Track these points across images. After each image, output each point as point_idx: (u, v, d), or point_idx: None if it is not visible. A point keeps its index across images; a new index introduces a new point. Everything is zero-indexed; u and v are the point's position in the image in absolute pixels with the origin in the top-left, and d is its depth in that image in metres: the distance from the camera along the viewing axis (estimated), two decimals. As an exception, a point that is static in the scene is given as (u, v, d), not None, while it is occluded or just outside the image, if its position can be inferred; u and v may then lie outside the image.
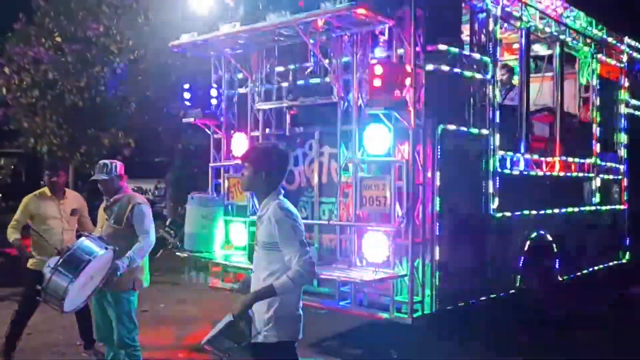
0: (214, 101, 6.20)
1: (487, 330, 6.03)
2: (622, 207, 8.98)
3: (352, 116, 5.41)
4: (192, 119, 6.31)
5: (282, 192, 3.36)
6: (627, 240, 9.05)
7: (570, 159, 7.71)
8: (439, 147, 5.16)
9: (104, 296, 4.55)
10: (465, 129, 5.60)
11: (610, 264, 8.66)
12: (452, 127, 5.37)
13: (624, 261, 8.98)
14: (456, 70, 5.52)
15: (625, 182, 9.08)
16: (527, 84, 6.85)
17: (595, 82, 8.31)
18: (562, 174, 7.47)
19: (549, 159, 7.24)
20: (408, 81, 5.00)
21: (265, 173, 3.38)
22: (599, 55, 8.39)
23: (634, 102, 9.65)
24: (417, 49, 5.08)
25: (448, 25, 5.50)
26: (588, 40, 8.18)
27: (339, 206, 5.53)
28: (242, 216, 6.23)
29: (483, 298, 5.83)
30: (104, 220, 4.68)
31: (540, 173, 7.05)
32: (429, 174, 5.16)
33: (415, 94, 5.03)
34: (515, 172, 6.62)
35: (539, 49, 8.82)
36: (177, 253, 6.40)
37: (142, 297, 4.88)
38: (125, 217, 4.54)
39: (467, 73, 5.70)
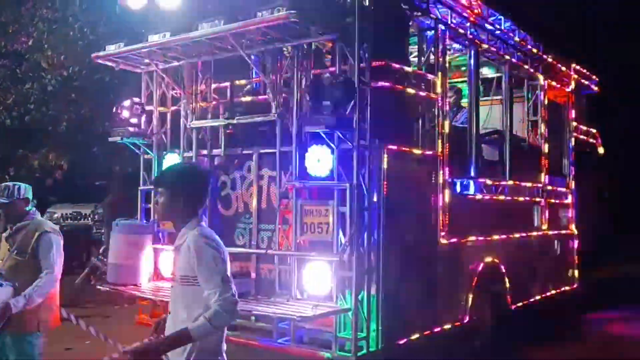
0: (134, 120, 5.67)
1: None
2: (571, 231, 8.88)
3: (292, 136, 4.99)
4: (118, 138, 5.77)
5: (204, 218, 2.91)
6: (577, 266, 8.93)
7: (520, 183, 7.53)
8: (385, 169, 4.79)
9: (3, 339, 3.95)
10: (414, 150, 5.27)
11: (562, 289, 8.49)
12: (399, 148, 5.03)
13: (574, 286, 8.84)
14: (405, 88, 5.22)
15: (573, 207, 9.00)
16: (477, 105, 6.64)
17: (543, 105, 8.21)
18: (512, 198, 7.27)
19: (499, 183, 7.02)
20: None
21: (184, 198, 2.93)
22: (547, 79, 8.33)
23: (580, 126, 9.67)
24: (362, 64, 4.74)
25: (395, 41, 5.21)
26: (536, 64, 8.10)
27: (278, 234, 5.08)
28: (171, 244, 5.68)
29: (436, 330, 5.46)
30: (6, 251, 4.09)
31: (491, 197, 6.81)
32: (375, 198, 4.78)
33: (360, 113, 4.67)
34: (466, 197, 6.35)
35: (488, 72, 8.73)
36: (98, 286, 5.77)
37: (67, 332, 4.29)
38: (30, 247, 3.97)
39: (416, 92, 5.41)
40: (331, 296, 4.64)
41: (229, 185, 5.70)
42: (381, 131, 4.90)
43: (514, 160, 7.37)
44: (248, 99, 5.51)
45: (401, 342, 4.94)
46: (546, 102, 8.28)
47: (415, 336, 5.11)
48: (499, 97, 8.20)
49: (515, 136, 7.87)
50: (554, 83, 8.52)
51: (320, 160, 4.78)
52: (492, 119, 8.01)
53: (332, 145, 4.69)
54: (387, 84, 4.89)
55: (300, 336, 4.86)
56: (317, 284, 4.70)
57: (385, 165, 4.80)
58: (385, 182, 4.78)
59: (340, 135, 4.58)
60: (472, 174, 6.46)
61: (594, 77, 10.06)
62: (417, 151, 5.29)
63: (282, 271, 5.06)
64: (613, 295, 9.94)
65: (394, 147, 4.95)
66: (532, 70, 8.04)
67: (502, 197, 7.05)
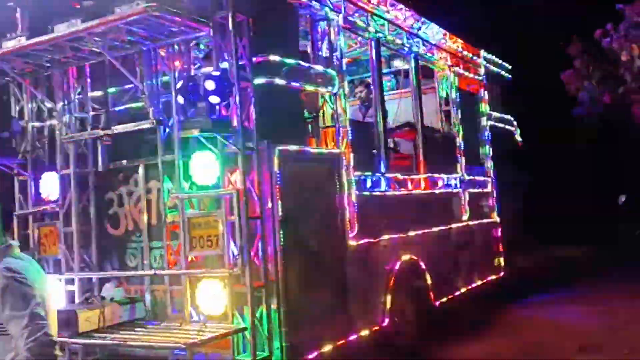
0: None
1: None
2: (493, 220, 8.80)
3: (174, 143, 4.54)
4: (-15, 159, 5.16)
5: (12, 245, 2.45)
6: (502, 254, 8.86)
7: (436, 175, 7.35)
8: (278, 172, 4.42)
9: None
10: (310, 149, 4.93)
11: (488, 279, 8.38)
12: (293, 147, 4.66)
13: (501, 275, 8.77)
14: (295, 84, 4.87)
15: (494, 195, 8.94)
16: (382, 98, 6.38)
17: (454, 95, 8.08)
18: (428, 191, 7.06)
19: (413, 177, 6.79)
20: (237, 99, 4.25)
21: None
22: (457, 69, 8.20)
23: (495, 114, 9.65)
24: (243, 61, 4.35)
25: (281, 34, 4.85)
26: (444, 54, 7.96)
27: (167, 251, 4.62)
28: (57, 272, 5.12)
29: (351, 338, 5.13)
30: None
31: (405, 192, 6.57)
32: (269, 205, 4.39)
33: (243, 112, 4.28)
34: (377, 193, 6.08)
35: (399, 64, 8.54)
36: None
37: None
38: None
39: (309, 87, 5.08)
40: (227, 315, 4.22)
41: (116, 202, 5.19)
42: (271, 131, 4.53)
43: (429, 152, 7.18)
44: (132, 105, 5.01)
45: (310, 356, 4.57)
46: (457, 91, 8.16)
47: (327, 348, 4.75)
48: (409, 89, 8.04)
49: (429, 128, 7.69)
50: (464, 72, 8.42)
51: (205, 168, 4.36)
52: (405, 113, 7.82)
53: (216, 150, 4.27)
54: (274, 80, 4.51)
55: (200, 362, 4.43)
56: (211, 303, 4.27)
57: (276, 168, 4.43)
58: (278, 186, 4.40)
59: (222, 139, 4.17)
60: (382, 169, 6.21)
61: (504, 64, 10.08)
62: (314, 150, 4.95)
63: (175, 292, 4.60)
64: (540, 280, 10.00)
65: (286, 148, 4.58)
66: (440, 60, 7.90)
67: (417, 191, 6.84)
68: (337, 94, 5.34)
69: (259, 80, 4.48)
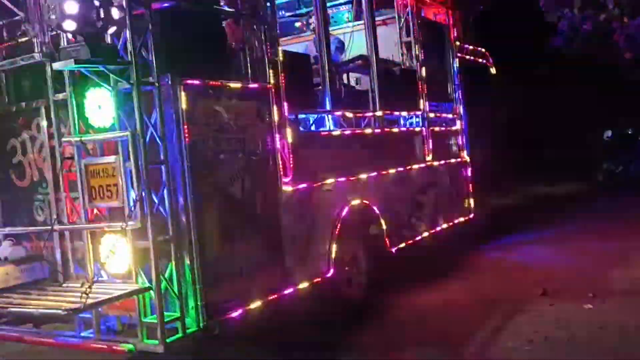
0: None
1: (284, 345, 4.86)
2: (463, 160, 8.30)
3: (66, 80, 3.94)
4: None
5: None
6: (472, 195, 8.41)
7: (393, 113, 6.79)
8: (184, 110, 3.84)
9: None
10: (230, 84, 4.33)
11: (455, 222, 7.95)
12: (205, 82, 4.07)
13: (470, 216, 8.34)
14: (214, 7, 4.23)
15: (463, 133, 8.40)
16: (326, 27, 5.73)
17: (416, 25, 7.39)
18: (384, 130, 6.51)
19: (365, 115, 6.23)
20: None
21: None
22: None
23: (466, 47, 8.99)
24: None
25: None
26: (403, -23, 7.24)
27: (66, 204, 4.10)
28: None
29: (287, 291, 4.70)
30: None
31: (356, 132, 6.03)
32: (177, 148, 3.84)
33: (139, 42, 3.66)
34: (320, 133, 5.54)
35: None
36: None
37: None
38: None
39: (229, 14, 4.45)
40: (131, 273, 3.74)
41: (19, 150, 4.62)
42: (180, 64, 3.93)
43: (385, 87, 6.59)
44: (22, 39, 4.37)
45: (234, 314, 4.13)
46: (420, 21, 7.47)
47: (255, 304, 4.32)
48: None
49: (386, 61, 7.07)
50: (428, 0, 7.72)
51: (101, 107, 3.78)
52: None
53: (107, 87, 3.68)
54: (176, 3, 3.87)
55: (112, 326, 3.99)
56: (114, 260, 3.79)
57: (184, 106, 3.85)
58: (186, 127, 3.84)
59: (108, 72, 3.57)
60: (328, 107, 5.64)
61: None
62: (235, 85, 4.35)
63: (78, 250, 4.11)
64: (512, 221, 9.62)
65: (197, 83, 3.99)
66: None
67: (369, 130, 6.29)
68: (267, 21, 4.70)
69: (159, 4, 3.84)
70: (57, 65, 3.56)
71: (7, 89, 4.68)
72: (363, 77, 7.13)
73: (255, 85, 4.55)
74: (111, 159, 3.75)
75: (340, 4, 7.75)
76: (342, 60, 6.71)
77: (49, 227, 4.05)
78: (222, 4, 4.68)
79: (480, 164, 8.64)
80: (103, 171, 3.81)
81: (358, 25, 7.23)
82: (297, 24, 8.07)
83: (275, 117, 4.68)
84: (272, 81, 4.68)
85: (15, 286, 3.99)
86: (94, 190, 3.86)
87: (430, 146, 7.37)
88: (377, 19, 7.81)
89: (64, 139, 3.98)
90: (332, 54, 6.05)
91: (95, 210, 3.96)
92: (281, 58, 4.82)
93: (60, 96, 4.03)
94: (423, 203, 7.19)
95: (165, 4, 3.87)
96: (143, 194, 3.58)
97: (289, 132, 4.85)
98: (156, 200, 3.73)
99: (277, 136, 4.70)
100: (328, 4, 7.03)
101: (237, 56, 4.65)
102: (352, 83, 7.22)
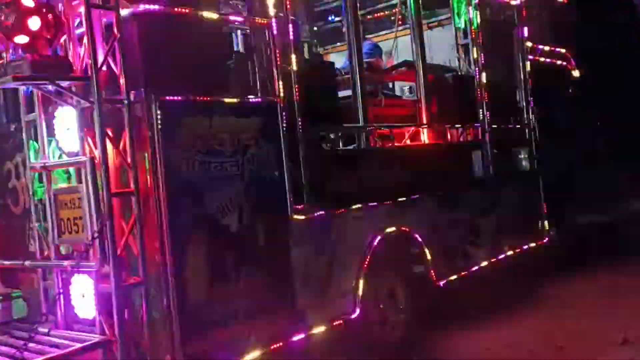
0: None
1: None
2: (534, 177, 7.26)
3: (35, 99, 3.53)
4: None
5: None
6: (546, 216, 7.33)
7: (444, 125, 5.95)
8: (161, 130, 3.30)
9: None
10: (225, 99, 3.75)
11: (524, 247, 6.93)
12: (189, 98, 3.51)
13: (544, 241, 7.27)
14: (205, 13, 3.68)
15: (536, 147, 7.36)
16: (357, 28, 5.01)
17: (476, 25, 6.50)
18: (432, 145, 5.71)
19: (408, 129, 5.46)
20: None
21: None
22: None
23: (542, 47, 7.94)
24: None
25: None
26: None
27: (36, 236, 3.69)
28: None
29: (296, 338, 4.04)
30: None
31: (396, 147, 5.28)
32: (153, 175, 3.30)
33: (108, 53, 3.17)
34: (346, 151, 4.84)
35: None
36: None
37: None
38: None
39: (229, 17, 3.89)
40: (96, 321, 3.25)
41: (13, 174, 4.30)
42: (162, 77, 3.41)
43: (436, 96, 5.81)
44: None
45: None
46: (481, 21, 6.56)
47: (252, 356, 3.69)
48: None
49: (437, 67, 6.27)
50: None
51: (69, 129, 3.34)
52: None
53: (71, 105, 3.22)
54: (149, 8, 3.34)
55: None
56: (81, 304, 3.31)
57: (160, 126, 3.31)
58: (160, 150, 3.29)
59: (61, 89, 3.10)
60: (361, 121, 4.94)
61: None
62: (230, 100, 3.77)
63: (50, 288, 3.68)
64: (596, 245, 8.33)
65: (178, 99, 3.44)
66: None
67: (415, 146, 5.52)
68: (274, 24, 4.09)
69: (136, 8, 3.33)
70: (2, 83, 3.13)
71: (5, 107, 4.39)
72: (408, 87, 6.39)
73: (258, 100, 3.95)
74: (77, 187, 3.28)
75: (386, 7, 7.05)
76: (383, 68, 5.98)
77: (20, 262, 3.64)
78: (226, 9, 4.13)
79: (560, 178, 7.57)
80: (71, 202, 3.35)
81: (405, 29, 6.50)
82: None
83: (285, 136, 4.05)
84: (281, 94, 4.06)
85: (-16, 328, 3.62)
86: (63, 223, 3.41)
87: (492, 161, 6.45)
88: (431, 20, 7.10)
89: (29, 164, 3.56)
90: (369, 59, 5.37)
91: (68, 246, 3.51)
92: (295, 68, 4.19)
93: (31, 116, 3.62)
94: (481, 227, 6.27)
95: (145, 7, 3.35)
96: (104, 229, 3.07)
97: (304, 152, 4.20)
98: (123, 237, 3.20)
99: (287, 158, 4.06)
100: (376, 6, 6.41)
101: (244, 67, 4.09)
102: (403, 92, 6.46)
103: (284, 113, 4.06)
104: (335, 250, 4.44)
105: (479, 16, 6.48)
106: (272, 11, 4.06)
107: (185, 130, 3.46)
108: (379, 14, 7.01)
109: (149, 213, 3.29)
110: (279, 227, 3.99)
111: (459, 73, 6.52)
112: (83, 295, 3.30)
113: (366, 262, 4.63)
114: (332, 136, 4.76)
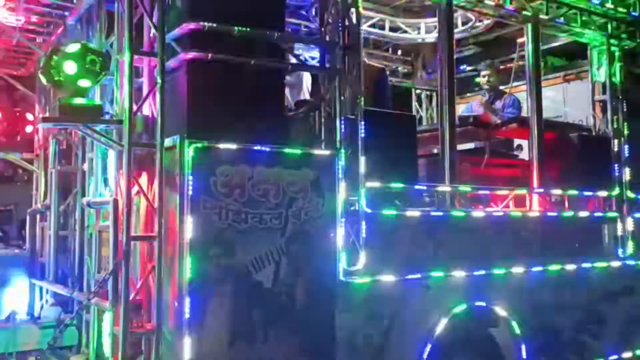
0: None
1: None
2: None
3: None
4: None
5: None
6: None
7: (561, 191, 5.14)
8: (191, 176, 3.23)
9: None
10: (277, 150, 3.59)
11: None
12: (227, 146, 3.40)
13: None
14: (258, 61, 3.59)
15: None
16: (451, 80, 4.57)
17: (616, 78, 5.62)
18: (543, 214, 4.96)
19: (508, 192, 4.80)
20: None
21: None
22: (620, 41, 5.69)
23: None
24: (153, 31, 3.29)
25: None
26: (597, 18, 5.59)
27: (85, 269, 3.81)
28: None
29: None
30: None
31: (487, 214, 4.65)
32: (179, 221, 3.23)
33: (147, 100, 3.22)
34: (419, 214, 4.31)
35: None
36: None
37: None
38: None
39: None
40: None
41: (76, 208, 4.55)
42: (201, 124, 3.37)
43: (556, 157, 5.11)
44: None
45: None
46: (622, 73, 5.65)
47: None
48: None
49: (561, 124, 5.50)
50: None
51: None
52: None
53: (110, 146, 3.31)
54: (205, 55, 3.33)
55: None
56: (109, 342, 3.32)
57: (190, 171, 3.24)
58: (187, 197, 3.21)
59: (96, 132, 3.17)
60: (447, 180, 4.45)
61: None
62: (280, 150, 3.59)
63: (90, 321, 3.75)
64: None
65: (216, 146, 3.35)
66: (594, 28, 5.57)
67: (516, 213, 4.83)
68: (339, 70, 3.88)
69: (185, 55, 3.36)
70: (39, 127, 3.31)
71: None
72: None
73: (311, 152, 3.73)
74: (107, 228, 3.34)
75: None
76: (493, 124, 5.38)
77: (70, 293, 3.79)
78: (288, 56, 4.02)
79: None
80: (107, 241, 3.41)
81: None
82: (478, 79, 6.95)
83: (338, 190, 3.76)
84: (339, 145, 3.81)
85: (31, 351, 3.80)
86: (104, 259, 3.48)
87: (629, 238, 5.42)
88: (569, 72, 6.38)
89: (79, 200, 3.72)
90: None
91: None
92: (360, 117, 3.90)
93: (91, 155, 3.80)
94: (607, 317, 5.25)
95: (195, 54, 3.36)
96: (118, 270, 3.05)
97: (362, 209, 3.86)
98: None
99: (338, 214, 3.74)
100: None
101: (306, 116, 3.93)
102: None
103: (343, 167, 3.79)
104: (391, 325, 3.92)
105: (620, 69, 5.60)
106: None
107: (221, 178, 3.36)
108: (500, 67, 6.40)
109: (171, 259, 3.21)
110: (322, 289, 3.67)
111: (592, 133, 5.66)
112: (109, 333, 3.30)
113: (427, 350, 4.03)
114: (405, 195, 4.32)
